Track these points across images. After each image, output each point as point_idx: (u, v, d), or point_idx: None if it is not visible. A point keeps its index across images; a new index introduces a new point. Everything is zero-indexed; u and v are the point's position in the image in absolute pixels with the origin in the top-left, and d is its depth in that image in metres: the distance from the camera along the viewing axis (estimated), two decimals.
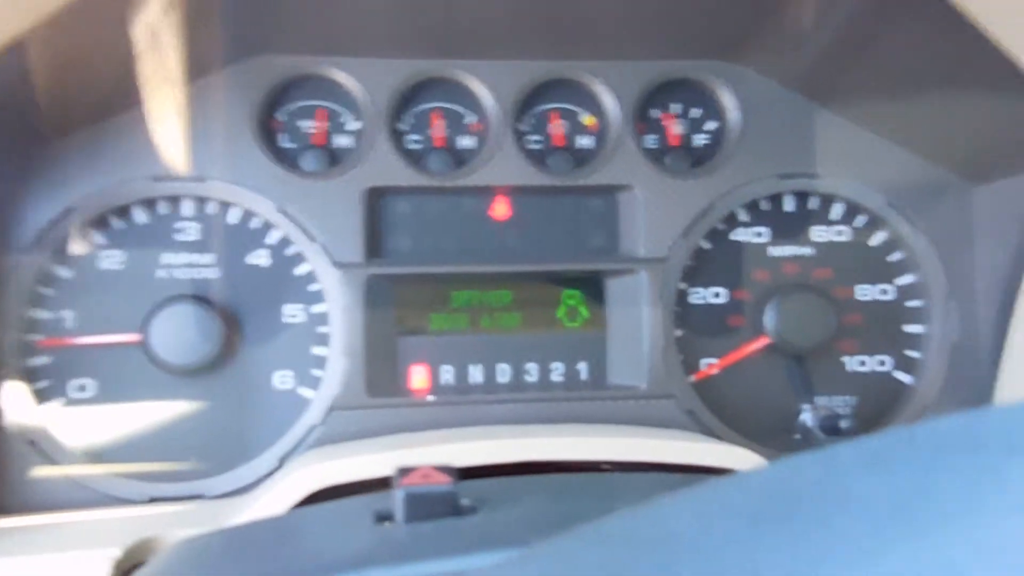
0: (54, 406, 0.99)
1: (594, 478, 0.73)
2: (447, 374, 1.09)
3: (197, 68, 1.01)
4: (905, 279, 1.13)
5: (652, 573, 0.27)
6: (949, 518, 0.25)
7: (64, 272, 1.00)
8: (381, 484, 0.62)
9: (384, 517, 0.57)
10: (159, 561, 0.59)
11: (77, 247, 1.00)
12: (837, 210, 1.13)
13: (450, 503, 0.57)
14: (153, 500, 0.98)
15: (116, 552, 0.73)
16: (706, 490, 0.33)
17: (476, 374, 1.09)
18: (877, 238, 1.13)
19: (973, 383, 1.07)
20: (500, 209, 1.11)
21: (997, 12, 0.79)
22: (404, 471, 0.58)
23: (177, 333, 0.99)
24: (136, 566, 0.72)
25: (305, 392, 1.04)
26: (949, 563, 0.24)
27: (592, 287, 1.12)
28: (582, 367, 1.11)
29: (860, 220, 1.13)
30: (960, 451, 0.30)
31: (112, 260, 1.01)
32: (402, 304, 1.08)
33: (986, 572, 0.22)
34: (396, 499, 0.56)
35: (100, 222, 1.01)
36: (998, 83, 0.87)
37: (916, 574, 0.23)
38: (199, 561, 0.55)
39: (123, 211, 1.02)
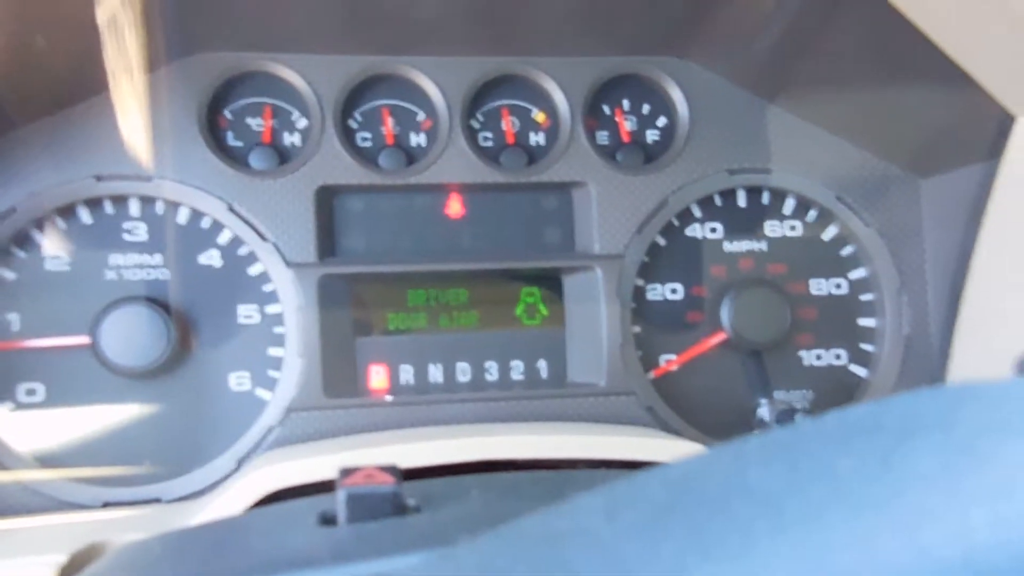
0: (2, 410, 0.97)
1: (543, 475, 0.74)
2: (406, 374, 1.08)
3: (141, 64, 0.99)
4: (857, 273, 1.14)
5: (553, 566, 0.27)
6: (827, 505, 0.26)
7: (8, 274, 0.98)
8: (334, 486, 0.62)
9: (328, 519, 0.57)
10: (99, 566, 0.58)
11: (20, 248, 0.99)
12: (789, 205, 1.14)
13: (394, 503, 0.57)
14: (107, 505, 0.97)
15: (62, 558, 0.72)
16: (623, 483, 0.33)
17: (436, 373, 1.09)
18: (829, 232, 1.15)
19: (926, 374, 1.10)
20: (454, 207, 1.11)
21: (931, 11, 0.80)
22: (347, 472, 0.58)
23: (128, 335, 0.98)
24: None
25: (262, 393, 1.03)
26: (820, 551, 0.24)
27: (550, 284, 1.12)
28: (542, 365, 1.11)
29: (811, 215, 1.14)
30: (857, 438, 0.30)
31: (58, 262, 0.99)
32: (358, 304, 1.07)
33: (859, 559, 0.23)
34: (338, 500, 0.56)
35: (44, 223, 0.99)
36: (938, 79, 0.88)
37: (792, 562, 0.24)
38: (138, 564, 0.54)
39: (67, 211, 1.00)
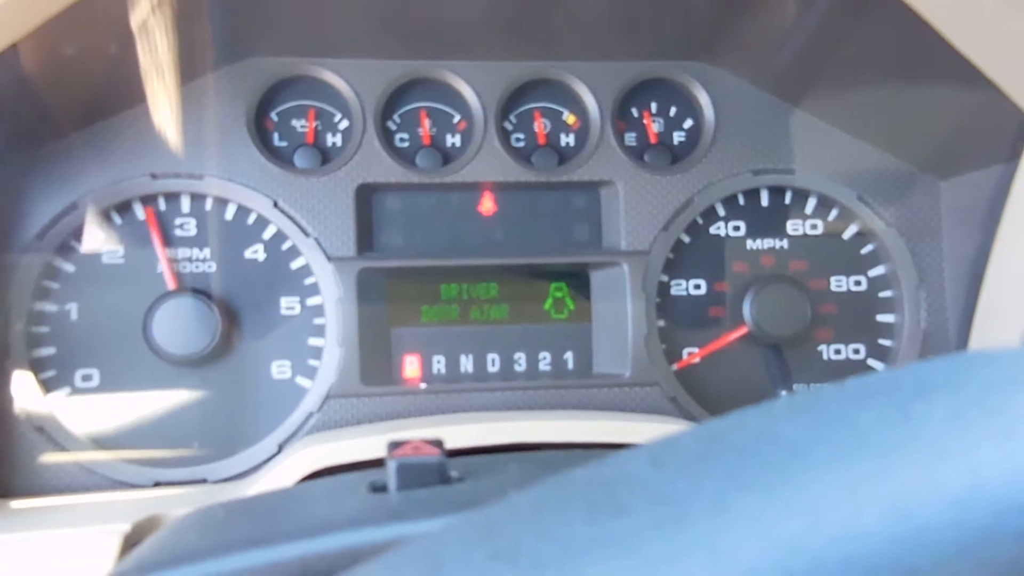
0: (61, 395, 1.03)
1: (577, 453, 0.78)
2: (439, 364, 1.13)
3: (192, 69, 1.05)
4: (877, 270, 1.17)
5: (606, 504, 0.32)
6: (851, 450, 0.30)
7: (68, 266, 1.04)
8: (376, 465, 0.66)
9: (379, 487, 0.61)
10: (166, 529, 0.63)
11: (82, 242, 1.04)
12: (811, 204, 1.18)
13: (439, 473, 0.61)
14: (158, 484, 1.02)
15: (125, 527, 0.77)
16: (663, 439, 0.37)
17: (467, 364, 1.14)
18: (849, 231, 1.18)
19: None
20: (487, 204, 1.16)
21: (951, 14, 0.84)
22: (396, 444, 0.63)
23: (177, 325, 1.03)
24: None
25: (302, 381, 1.08)
26: (846, 488, 0.28)
27: (577, 280, 1.16)
28: (569, 356, 1.15)
29: (833, 214, 1.18)
30: (877, 395, 0.34)
31: (114, 255, 1.05)
32: (394, 296, 1.12)
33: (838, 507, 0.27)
34: (389, 469, 0.61)
35: (102, 218, 1.05)
36: (958, 83, 0.91)
37: (819, 498, 0.28)
38: (206, 526, 0.59)
39: (124, 207, 1.06)
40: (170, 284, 1.04)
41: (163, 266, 1.04)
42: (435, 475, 0.61)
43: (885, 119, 1.09)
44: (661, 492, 0.32)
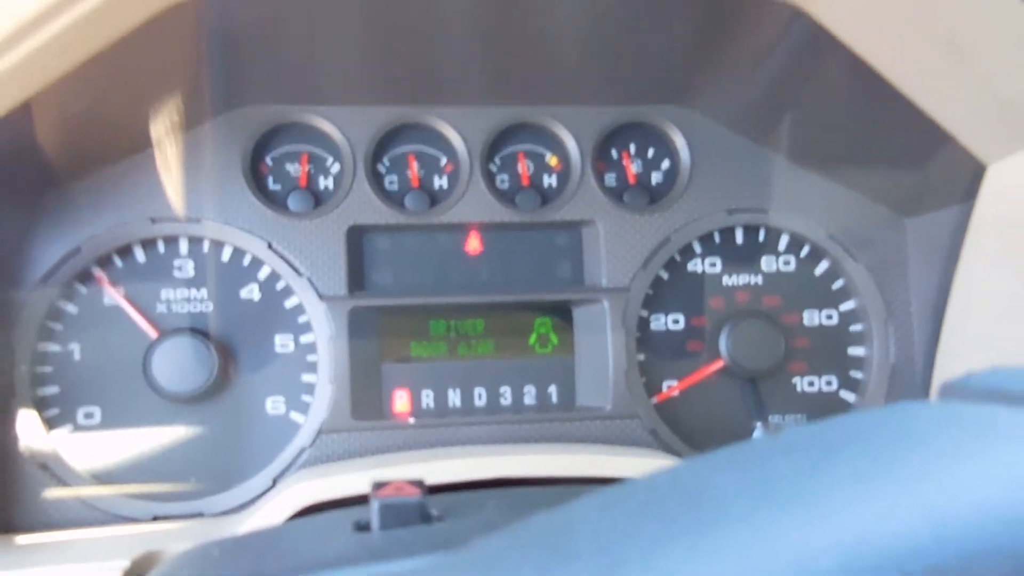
0: (63, 432, 1.07)
1: (553, 490, 0.82)
2: (427, 398, 1.17)
3: (191, 118, 1.10)
4: (847, 305, 1.22)
5: (556, 548, 0.36)
6: (763, 502, 0.35)
7: (71, 308, 1.09)
8: (364, 500, 0.71)
9: (362, 526, 0.66)
10: (163, 569, 0.67)
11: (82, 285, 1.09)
12: (783, 242, 1.23)
13: (420, 512, 0.66)
14: (156, 518, 1.06)
15: (125, 563, 0.81)
16: (615, 487, 0.42)
17: (454, 398, 1.18)
18: (820, 267, 1.23)
19: (911, 400, 1.17)
20: (473, 244, 1.20)
21: (903, 68, 0.89)
22: (379, 485, 0.67)
23: (176, 363, 1.08)
24: None
25: (296, 416, 1.12)
26: (759, 536, 0.33)
27: (561, 315, 1.21)
28: (552, 390, 1.20)
29: (804, 251, 1.23)
30: (796, 450, 0.39)
31: (115, 296, 1.10)
32: (384, 333, 1.17)
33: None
34: (372, 510, 0.65)
35: (104, 261, 1.10)
36: (915, 129, 0.97)
37: (742, 541, 0.32)
38: (199, 566, 0.63)
39: (125, 251, 1.11)
40: (151, 333, 1.08)
41: (136, 318, 1.08)
42: (416, 514, 0.65)
43: (850, 160, 1.15)
44: (605, 540, 0.36)
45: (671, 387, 1.20)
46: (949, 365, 1.05)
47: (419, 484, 0.67)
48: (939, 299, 1.10)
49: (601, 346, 1.17)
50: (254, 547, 0.66)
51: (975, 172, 0.99)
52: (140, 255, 1.11)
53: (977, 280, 1.00)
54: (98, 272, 1.09)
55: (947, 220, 1.08)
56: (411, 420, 1.14)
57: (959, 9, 0.80)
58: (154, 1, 0.78)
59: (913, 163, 1.08)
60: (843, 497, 0.35)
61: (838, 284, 1.23)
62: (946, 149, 0.99)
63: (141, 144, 1.10)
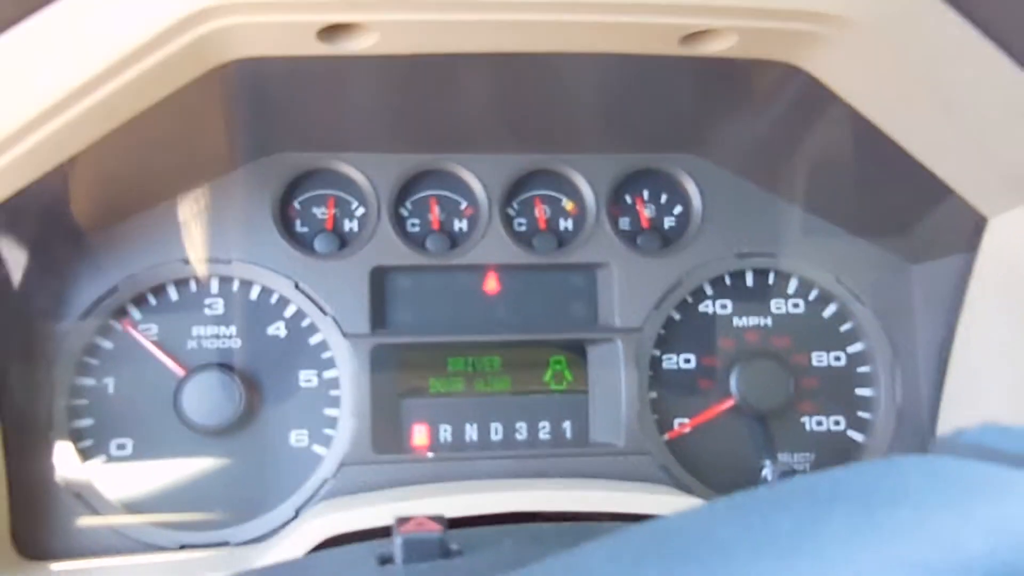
0: (97, 463, 1.12)
1: (566, 527, 0.85)
2: (445, 432, 1.21)
3: (222, 165, 1.16)
4: (855, 347, 1.25)
5: None
6: (764, 553, 0.38)
7: (107, 344, 1.14)
8: (383, 532, 0.74)
9: (386, 560, 0.69)
10: None
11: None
12: (792, 285, 1.26)
13: (441, 547, 0.69)
14: (183, 547, 1.10)
15: None
16: (620, 533, 0.46)
17: (471, 432, 1.22)
18: (829, 310, 1.26)
19: (918, 440, 1.19)
20: (491, 284, 1.25)
21: (904, 125, 0.94)
22: (402, 520, 0.71)
23: (205, 397, 1.12)
24: None
25: (318, 449, 1.16)
26: None
27: (575, 354, 1.25)
28: (567, 426, 1.23)
29: (813, 294, 1.26)
30: (798, 503, 0.42)
31: (148, 333, 1.15)
32: (404, 370, 1.21)
33: None
34: (396, 544, 0.69)
35: (139, 300, 1.15)
36: (917, 181, 1.01)
37: None
38: None
39: (159, 290, 1.16)
40: (178, 372, 1.13)
41: (162, 357, 1.13)
42: (437, 549, 0.69)
43: (856, 208, 1.19)
44: None
45: (682, 424, 1.23)
46: (953, 408, 1.07)
47: (440, 519, 0.71)
48: (944, 344, 1.13)
49: (614, 384, 1.21)
50: None
51: (977, 223, 1.03)
52: (173, 294, 1.17)
53: (979, 328, 1.03)
54: (126, 319, 1.14)
55: (952, 268, 1.12)
56: (430, 454, 1.18)
57: (954, 72, 0.85)
58: (194, 67, 0.84)
59: (917, 212, 1.12)
60: (839, 552, 0.38)
61: (846, 327, 1.26)
62: (948, 201, 1.03)
63: (176, 190, 1.15)
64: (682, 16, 0.83)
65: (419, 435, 1.21)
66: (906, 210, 1.13)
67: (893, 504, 0.42)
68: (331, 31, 0.84)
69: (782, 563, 0.38)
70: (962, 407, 1.06)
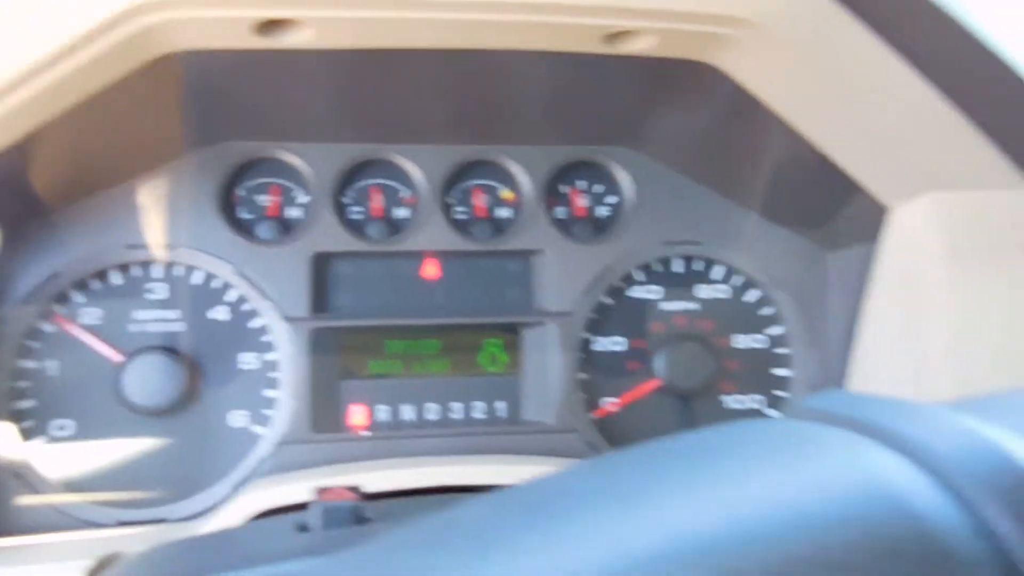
0: (38, 443, 1.14)
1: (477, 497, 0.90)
2: (382, 412, 1.26)
3: (167, 153, 1.19)
4: (775, 330, 1.32)
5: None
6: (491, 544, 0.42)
7: (49, 327, 1.17)
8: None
9: (303, 527, 0.74)
10: (120, 567, 0.75)
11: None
12: (718, 272, 1.33)
13: (355, 514, 0.74)
14: (121, 523, 1.13)
15: (89, 563, 0.88)
16: (495, 493, 0.50)
17: (408, 412, 1.26)
18: (751, 295, 1.33)
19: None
20: (430, 270, 1.29)
21: (811, 122, 1.00)
22: (322, 491, 0.76)
23: (146, 379, 1.15)
24: None
25: (258, 429, 1.20)
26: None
27: (510, 337, 1.30)
28: (500, 406, 1.28)
29: (737, 280, 1.33)
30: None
31: (90, 316, 1.18)
32: (344, 352, 1.25)
33: None
34: (313, 512, 0.73)
35: (82, 284, 1.18)
36: (827, 174, 1.07)
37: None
38: (152, 564, 0.71)
39: (101, 274, 1.19)
40: (115, 358, 1.16)
41: (98, 345, 1.16)
42: (351, 517, 0.74)
43: (776, 199, 1.25)
44: (477, 536, 0.45)
45: (611, 403, 1.29)
46: (859, 387, 1.14)
47: (356, 490, 0.76)
48: (853, 327, 1.20)
49: (546, 365, 1.26)
50: (204, 546, 0.74)
51: (880, 214, 1.09)
52: (116, 278, 1.19)
53: (880, 311, 1.10)
54: (59, 312, 1.16)
55: (860, 256, 1.18)
56: (366, 433, 1.22)
57: (853, 74, 0.91)
58: (132, 60, 0.87)
59: (830, 204, 1.18)
60: (665, 502, 0.44)
61: (767, 311, 1.32)
62: (855, 193, 1.09)
63: (120, 177, 1.18)
64: (604, 17, 0.88)
65: (357, 415, 1.25)
66: (820, 201, 1.19)
67: (726, 457, 0.47)
68: (268, 26, 0.88)
69: (619, 509, 0.43)
70: (866, 385, 1.13)
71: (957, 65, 0.86)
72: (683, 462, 0.48)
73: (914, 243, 1.03)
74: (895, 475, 0.41)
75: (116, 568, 0.73)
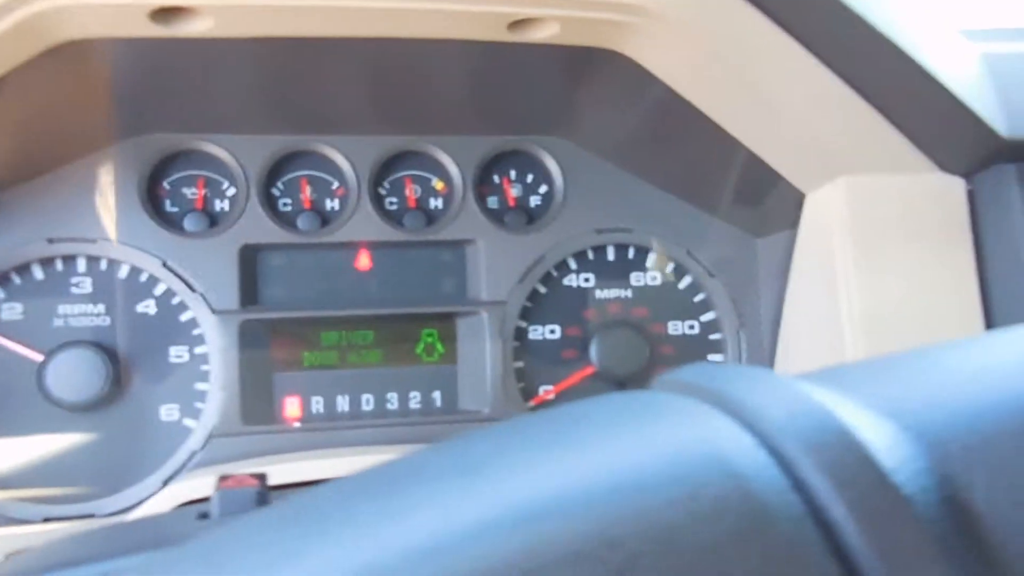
0: None
1: None
2: (317, 404, 1.25)
3: (90, 145, 1.17)
4: (707, 316, 1.34)
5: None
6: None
7: None
8: None
9: (203, 515, 0.74)
10: (18, 561, 0.74)
11: None
12: (650, 259, 1.34)
13: (256, 502, 0.74)
14: (47, 520, 1.12)
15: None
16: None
17: (343, 403, 1.26)
18: (683, 282, 1.34)
19: None
20: (363, 261, 1.29)
21: (726, 112, 1.01)
22: (224, 478, 0.75)
23: (71, 374, 1.14)
24: None
25: (189, 422, 1.19)
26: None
27: (445, 326, 1.30)
28: (436, 395, 1.29)
29: (668, 267, 1.34)
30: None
31: (12, 312, 1.16)
32: (277, 344, 1.25)
33: None
34: (213, 500, 0.73)
35: (3, 279, 1.16)
36: (747, 161, 1.08)
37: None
38: (47, 553, 0.70)
39: (23, 269, 1.17)
40: (34, 357, 1.14)
41: (13, 346, 1.14)
42: (252, 504, 0.73)
43: (704, 187, 1.26)
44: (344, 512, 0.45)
45: (547, 391, 1.30)
46: (783, 369, 1.16)
47: (260, 477, 0.76)
48: (780, 311, 1.22)
49: (481, 354, 1.26)
50: (105, 535, 0.73)
51: (798, 200, 1.11)
52: (39, 273, 1.18)
53: (799, 294, 1.11)
54: None
55: (785, 241, 1.20)
56: (298, 425, 1.22)
57: (758, 63, 0.92)
58: (27, 47, 0.86)
59: (755, 190, 1.20)
60: (501, 474, 0.44)
61: (699, 297, 1.34)
62: (778, 180, 1.10)
63: (42, 170, 1.16)
64: (502, 5, 0.88)
65: (291, 407, 1.25)
66: (745, 189, 1.21)
67: (572, 426, 0.48)
68: (164, 13, 0.87)
69: (466, 480, 0.43)
70: (791, 366, 1.14)
71: (856, 52, 0.87)
72: (528, 432, 0.49)
73: (827, 226, 1.04)
74: (725, 439, 0.42)
75: (13, 562, 0.73)
